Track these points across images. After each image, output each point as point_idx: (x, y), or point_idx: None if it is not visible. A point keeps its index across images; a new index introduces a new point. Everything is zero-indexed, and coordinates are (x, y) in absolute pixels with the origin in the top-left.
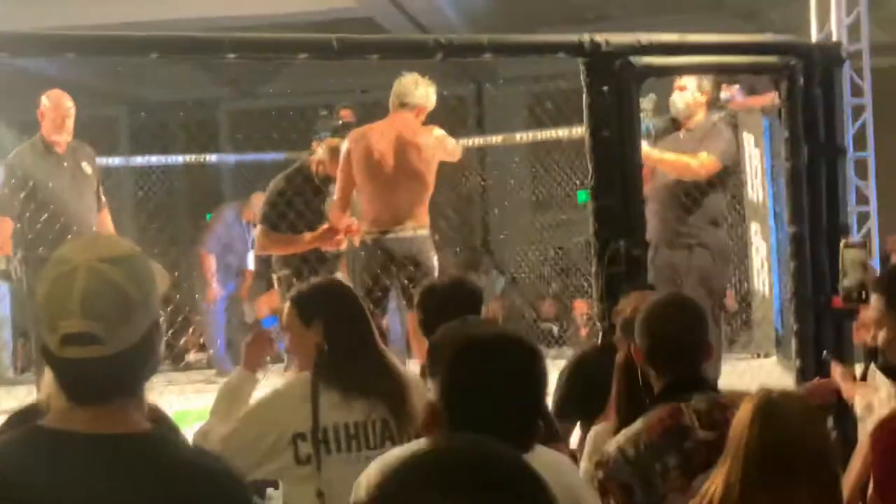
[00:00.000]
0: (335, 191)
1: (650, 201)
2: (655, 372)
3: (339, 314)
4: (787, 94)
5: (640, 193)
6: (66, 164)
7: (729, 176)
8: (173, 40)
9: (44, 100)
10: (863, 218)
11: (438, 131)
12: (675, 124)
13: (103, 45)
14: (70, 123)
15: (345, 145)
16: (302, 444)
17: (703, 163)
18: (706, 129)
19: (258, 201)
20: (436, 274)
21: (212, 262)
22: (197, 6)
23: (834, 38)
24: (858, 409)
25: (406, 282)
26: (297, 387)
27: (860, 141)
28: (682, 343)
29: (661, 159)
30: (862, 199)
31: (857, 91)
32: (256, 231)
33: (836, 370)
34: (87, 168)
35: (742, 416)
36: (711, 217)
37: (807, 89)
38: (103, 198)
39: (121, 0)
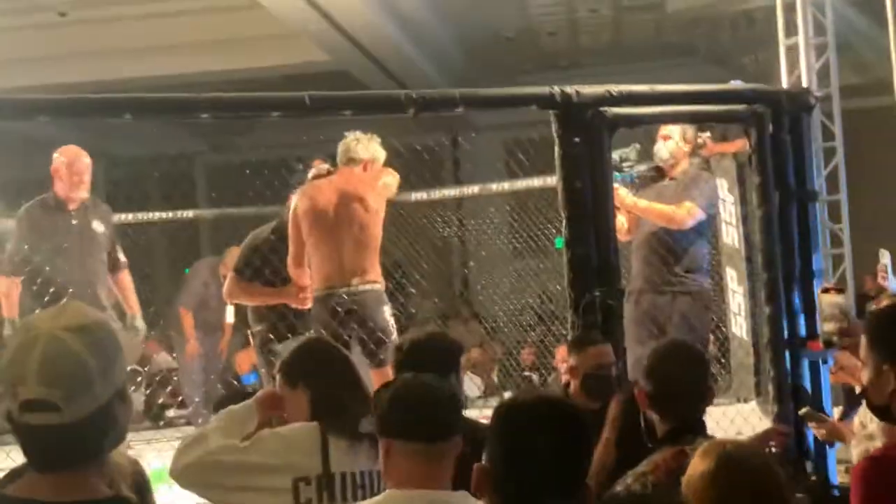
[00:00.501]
0: (289, 252)
1: (636, 248)
2: (660, 416)
3: (323, 371)
4: (757, 141)
5: (615, 243)
6: (74, 222)
7: (711, 224)
8: (146, 101)
9: (57, 156)
10: (837, 260)
11: (385, 178)
12: (660, 172)
13: (77, 107)
14: (87, 180)
15: (293, 201)
16: (305, 489)
17: (687, 211)
18: (690, 178)
19: (234, 256)
20: (391, 328)
21: (190, 319)
22: (171, 64)
23: (804, 83)
24: (855, 459)
25: (362, 338)
26: (303, 432)
27: (833, 183)
28: (687, 389)
29: (646, 208)
30: (836, 242)
31: (828, 134)
32: (227, 279)
33: (819, 431)
34: (98, 227)
35: (699, 469)
36: (695, 264)
37: (776, 136)
38: (122, 258)
39: (94, 59)
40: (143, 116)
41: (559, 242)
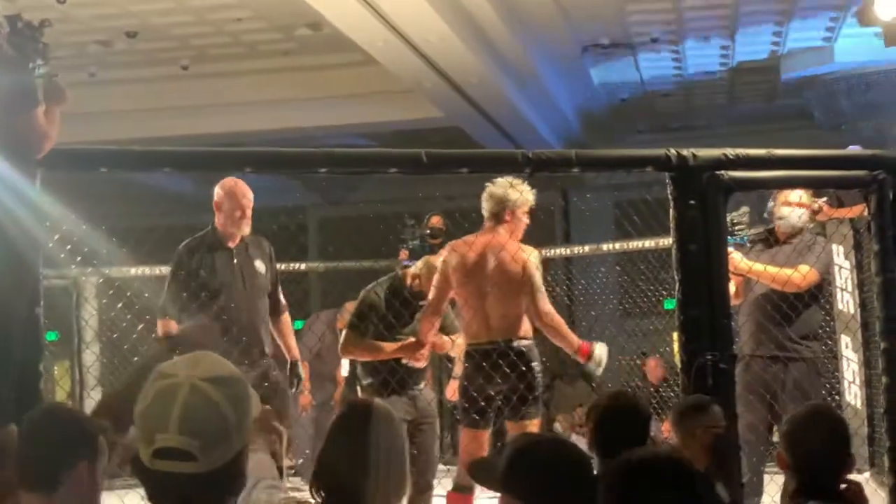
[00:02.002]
0: (428, 301)
1: (745, 312)
2: (795, 479)
3: (341, 432)
4: (877, 208)
5: (728, 306)
6: (235, 261)
7: (825, 289)
8: (266, 155)
9: (218, 189)
10: None
11: (532, 253)
12: (772, 235)
13: (199, 160)
14: (249, 215)
15: (442, 256)
16: None
17: (804, 275)
18: (805, 242)
19: (351, 309)
20: (537, 384)
21: (305, 370)
22: (288, 118)
23: None
24: None
25: (509, 393)
26: None
27: None
28: (821, 459)
29: (761, 272)
30: None
31: None
32: (343, 334)
33: None
34: (259, 266)
35: None
36: (809, 330)
37: None
38: (282, 300)
39: (214, 112)
40: (263, 170)
41: (668, 304)
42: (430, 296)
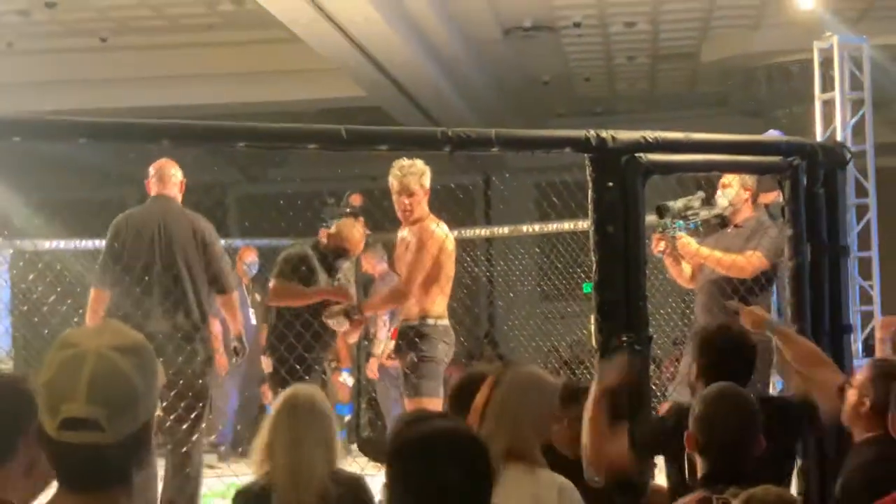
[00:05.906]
0: (406, 277)
1: (698, 297)
2: (701, 460)
3: None
4: (791, 194)
5: (644, 289)
6: None
7: (776, 274)
8: (185, 128)
9: (151, 170)
10: (866, 317)
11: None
12: (723, 221)
13: (115, 131)
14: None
15: (443, 233)
16: None
17: (748, 260)
18: (753, 226)
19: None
20: (434, 362)
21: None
22: (209, 93)
23: (839, 138)
24: None
25: (405, 370)
26: None
27: (864, 240)
28: (727, 437)
29: (709, 256)
30: (866, 299)
31: (861, 191)
32: (271, 284)
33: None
34: None
35: None
36: None
37: (810, 189)
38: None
39: (133, 85)
40: (181, 143)
41: (587, 287)
42: (415, 272)
